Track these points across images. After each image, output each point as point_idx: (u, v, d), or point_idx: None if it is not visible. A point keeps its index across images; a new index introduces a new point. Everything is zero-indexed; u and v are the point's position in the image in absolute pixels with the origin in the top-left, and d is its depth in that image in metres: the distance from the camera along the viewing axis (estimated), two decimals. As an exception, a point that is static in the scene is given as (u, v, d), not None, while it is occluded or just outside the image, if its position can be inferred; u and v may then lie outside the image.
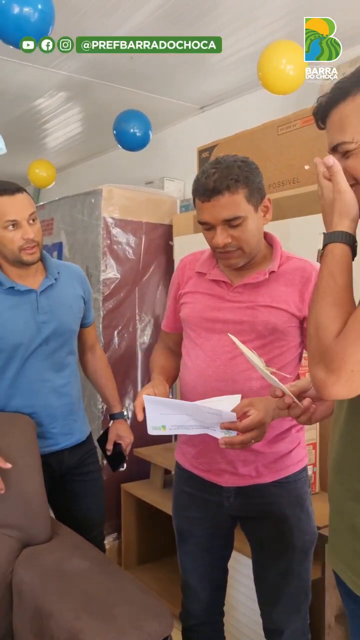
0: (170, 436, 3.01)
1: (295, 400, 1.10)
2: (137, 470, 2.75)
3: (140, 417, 1.34)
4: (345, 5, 3.20)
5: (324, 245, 0.93)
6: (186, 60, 3.85)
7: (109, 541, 2.73)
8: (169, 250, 2.89)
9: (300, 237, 2.10)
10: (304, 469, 1.53)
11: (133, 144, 3.86)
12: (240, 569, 1.91)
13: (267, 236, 1.50)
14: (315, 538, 1.52)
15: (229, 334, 1.26)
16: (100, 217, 2.67)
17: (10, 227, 1.69)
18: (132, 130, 3.81)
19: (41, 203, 3.26)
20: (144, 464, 2.72)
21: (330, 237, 0.93)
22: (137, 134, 3.81)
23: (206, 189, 1.37)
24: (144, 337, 2.86)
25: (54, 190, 5.22)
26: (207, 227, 1.42)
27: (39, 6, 2.15)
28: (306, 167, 2.20)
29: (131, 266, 2.78)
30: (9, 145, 4.84)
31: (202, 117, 4.91)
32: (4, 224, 1.69)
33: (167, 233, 2.89)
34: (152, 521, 2.75)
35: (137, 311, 2.82)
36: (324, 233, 0.94)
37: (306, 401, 1.10)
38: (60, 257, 2.89)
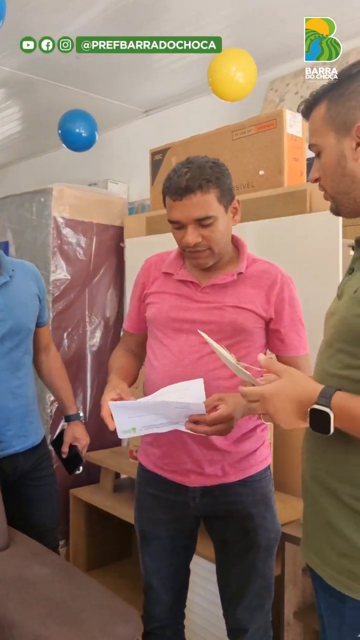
0: (120, 440, 2.97)
1: None
2: (86, 474, 2.69)
3: (111, 427, 1.32)
4: (292, 16, 3.31)
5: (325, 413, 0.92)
6: (132, 63, 3.85)
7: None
8: (119, 252, 2.87)
9: (254, 241, 2.13)
10: (268, 468, 1.55)
11: (78, 144, 3.81)
12: (198, 572, 1.90)
13: (233, 238, 1.52)
14: (279, 536, 1.54)
15: (199, 331, 1.26)
16: (51, 216, 2.61)
17: None
18: (77, 130, 3.76)
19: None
20: (94, 469, 2.67)
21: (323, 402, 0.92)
22: (83, 134, 3.77)
23: (179, 187, 1.37)
24: (94, 340, 2.82)
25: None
26: (177, 226, 1.41)
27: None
28: (260, 172, 2.24)
29: (81, 267, 2.73)
30: None
31: (146, 121, 4.92)
32: None
33: (118, 234, 2.86)
34: (102, 526, 2.71)
35: (87, 313, 2.78)
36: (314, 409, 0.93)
37: None
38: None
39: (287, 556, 1.72)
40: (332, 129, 1.01)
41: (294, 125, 2.20)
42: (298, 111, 1.11)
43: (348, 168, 1.00)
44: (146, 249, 2.59)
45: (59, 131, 3.80)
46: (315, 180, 1.07)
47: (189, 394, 1.29)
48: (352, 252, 1.09)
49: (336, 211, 1.07)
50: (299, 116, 2.23)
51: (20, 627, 1.30)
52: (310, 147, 1.06)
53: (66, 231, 2.66)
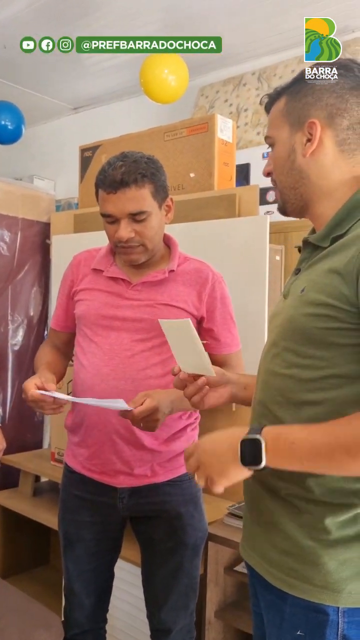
0: (41, 442, 2.89)
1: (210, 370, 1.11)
2: (2, 478, 2.60)
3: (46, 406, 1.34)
4: (225, 24, 3.37)
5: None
6: (63, 59, 3.77)
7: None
8: (45, 249, 2.79)
9: (183, 243, 2.14)
10: None
11: (4, 136, 3.69)
12: (122, 576, 1.88)
13: (165, 236, 1.52)
14: (206, 535, 1.54)
15: (159, 320, 1.19)
16: (-27, 208, 2.50)
17: None
18: (3, 123, 3.65)
19: None
20: (12, 472, 2.58)
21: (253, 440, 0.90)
22: (9, 127, 3.66)
23: (113, 180, 1.35)
24: (16, 339, 2.73)
25: None
26: (110, 220, 1.40)
27: None
28: (191, 174, 2.26)
29: (4, 263, 2.64)
30: None
31: (75, 118, 4.85)
32: None
33: (44, 231, 2.78)
34: (19, 532, 2.62)
35: (9, 311, 2.68)
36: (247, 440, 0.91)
37: (200, 380, 1.12)
38: None
39: (210, 555, 1.73)
40: (287, 123, 1.03)
41: (225, 130, 2.23)
42: (260, 104, 1.13)
43: (297, 162, 1.01)
44: (73, 247, 2.54)
45: (-17, 122, 3.67)
46: (268, 174, 1.08)
47: (114, 404, 1.28)
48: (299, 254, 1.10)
49: (282, 208, 1.08)
50: (230, 122, 2.26)
51: None
52: (266, 139, 1.07)
53: (-11, 225, 2.56)
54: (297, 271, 1.05)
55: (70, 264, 1.60)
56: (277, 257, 2.17)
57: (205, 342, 1.15)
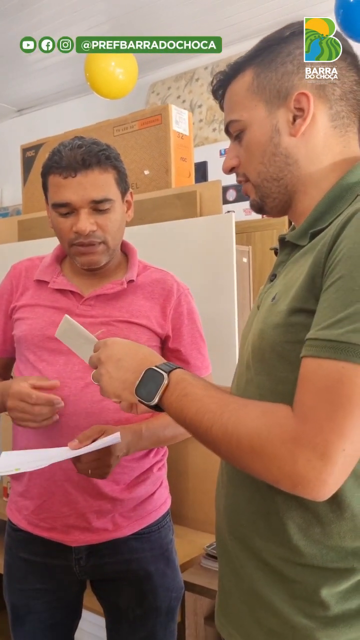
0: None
1: None
2: None
3: None
4: (174, 18, 3.19)
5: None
6: (3, 59, 3.54)
7: None
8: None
9: (139, 248, 1.92)
10: (167, 513, 1.31)
11: None
12: (86, 628, 1.64)
13: (122, 243, 1.29)
14: (181, 594, 1.30)
15: (66, 315, 1.02)
16: None
17: None
18: None
19: None
20: None
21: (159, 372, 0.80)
22: None
23: (73, 160, 1.12)
24: None
25: None
26: (66, 210, 1.15)
27: None
28: (145, 172, 2.04)
29: None
30: None
31: (19, 121, 4.59)
32: None
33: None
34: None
35: None
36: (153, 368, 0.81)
37: None
38: None
39: (188, 606, 1.50)
40: (261, 100, 0.84)
41: (181, 122, 2.03)
42: (211, 85, 0.91)
43: (282, 145, 0.82)
44: (18, 256, 2.29)
45: None
46: (231, 170, 0.88)
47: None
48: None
49: (259, 205, 0.88)
50: (186, 113, 2.06)
51: None
52: (230, 125, 0.87)
53: None
54: (273, 277, 0.85)
55: (8, 274, 1.34)
56: (245, 259, 1.98)
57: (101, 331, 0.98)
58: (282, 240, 0.85)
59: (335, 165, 0.82)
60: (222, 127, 0.92)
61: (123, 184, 1.20)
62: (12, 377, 1.35)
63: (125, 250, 1.30)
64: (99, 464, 1.05)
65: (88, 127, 2.20)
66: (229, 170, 0.89)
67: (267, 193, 0.85)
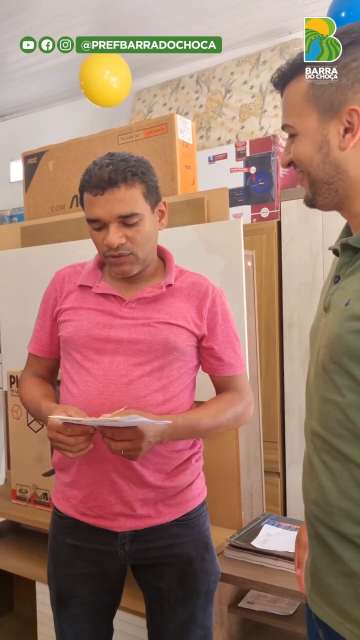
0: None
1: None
2: None
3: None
4: (160, 26, 3.26)
5: None
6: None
7: None
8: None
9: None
10: (204, 502, 1.39)
11: None
12: (121, 628, 1.68)
13: (158, 248, 1.36)
14: (219, 577, 1.38)
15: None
16: None
17: None
18: None
19: None
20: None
21: None
22: None
23: (101, 179, 1.20)
24: None
25: None
26: (97, 225, 1.24)
27: None
28: (151, 179, 2.10)
29: None
30: None
31: (1, 127, 4.58)
32: None
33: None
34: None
35: None
36: None
37: None
38: None
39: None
40: (315, 110, 0.87)
41: (185, 131, 2.10)
42: (271, 81, 0.96)
43: (331, 156, 0.87)
44: (21, 262, 2.33)
45: None
46: (288, 165, 0.94)
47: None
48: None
49: (311, 201, 0.93)
50: (189, 122, 2.13)
51: None
52: (284, 127, 0.92)
53: None
54: (337, 279, 0.91)
55: (52, 280, 1.42)
56: (249, 263, 2.06)
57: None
58: (345, 245, 0.90)
59: None
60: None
61: (153, 196, 1.28)
62: (58, 381, 1.41)
63: (162, 256, 1.37)
64: (131, 445, 1.13)
65: (92, 135, 2.25)
66: (286, 164, 0.94)
67: (319, 192, 0.91)
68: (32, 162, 2.40)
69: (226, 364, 1.34)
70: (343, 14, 2.43)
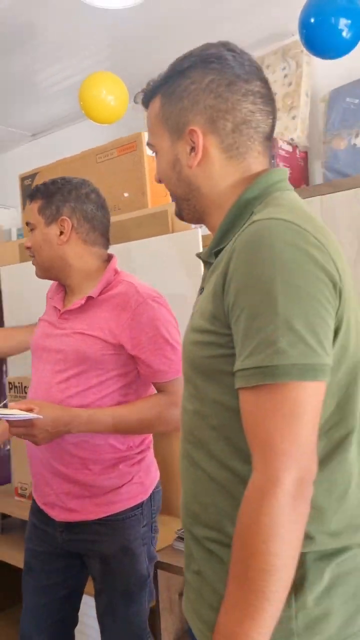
0: (9, 477, 2.84)
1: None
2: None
3: None
4: (167, 40, 3.36)
5: None
6: (16, 86, 3.77)
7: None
8: (-5, 280, 2.77)
9: (124, 263, 2.12)
10: (137, 507, 1.45)
11: None
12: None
13: (109, 263, 1.49)
14: (143, 580, 1.45)
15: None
16: None
17: None
18: None
19: None
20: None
21: None
22: None
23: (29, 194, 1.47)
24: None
25: None
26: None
27: None
28: (125, 194, 2.23)
29: None
30: None
31: (34, 145, 4.84)
32: None
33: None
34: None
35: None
36: None
37: None
38: None
39: (161, 584, 1.68)
40: (166, 130, 0.91)
41: (155, 146, 2.21)
42: (135, 102, 1.07)
43: (183, 174, 0.91)
44: (21, 276, 2.53)
45: None
46: (160, 181, 0.99)
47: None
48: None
49: (179, 216, 0.98)
50: (160, 138, 2.24)
51: None
52: (148, 145, 0.98)
53: None
54: (201, 290, 0.94)
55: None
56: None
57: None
58: (199, 257, 0.95)
59: (235, 186, 0.88)
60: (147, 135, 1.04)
61: (49, 211, 1.46)
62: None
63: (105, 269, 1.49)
64: (25, 430, 1.29)
65: (75, 156, 2.42)
66: (158, 181, 0.99)
67: (181, 208, 0.96)
68: (28, 183, 2.59)
69: (156, 371, 1.40)
70: (312, 20, 2.47)
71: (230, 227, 0.87)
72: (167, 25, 3.29)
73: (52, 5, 2.62)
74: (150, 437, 1.51)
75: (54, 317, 1.48)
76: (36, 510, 1.51)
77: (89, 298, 1.42)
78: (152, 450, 1.52)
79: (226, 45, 0.90)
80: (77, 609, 1.58)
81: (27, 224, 1.48)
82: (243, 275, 0.75)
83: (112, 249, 2.14)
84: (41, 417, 1.27)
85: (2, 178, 4.95)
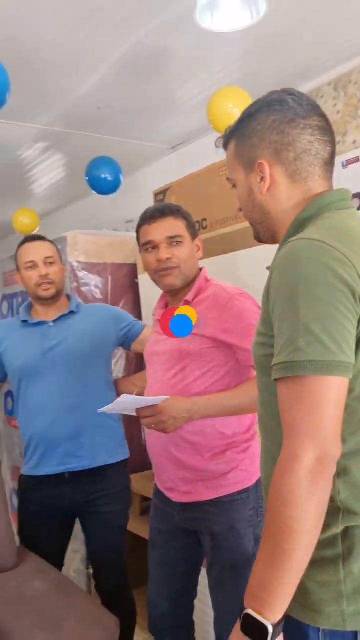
0: (150, 464, 3.12)
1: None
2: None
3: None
4: (291, 47, 3.43)
5: None
6: (155, 103, 4.07)
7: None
8: (135, 288, 3.06)
9: (246, 269, 2.27)
10: (243, 492, 1.61)
11: (105, 188, 4.07)
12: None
13: (200, 273, 1.70)
14: (248, 559, 1.57)
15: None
16: (66, 261, 2.85)
17: (29, 268, 1.98)
18: (103, 176, 4.03)
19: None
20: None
21: None
22: (108, 179, 4.03)
23: (155, 211, 1.63)
24: (117, 370, 3.01)
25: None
26: (150, 246, 1.63)
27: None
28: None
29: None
30: (-5, 197, 5.07)
31: (173, 157, 5.15)
32: (24, 265, 1.99)
33: (132, 271, 3.06)
34: (135, 549, 2.85)
35: (110, 347, 2.98)
36: None
37: None
38: (33, 300, 3.06)
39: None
40: (240, 165, 1.09)
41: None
42: (217, 146, 1.26)
43: (257, 201, 1.07)
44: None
45: (86, 178, 4.08)
46: (240, 210, 1.16)
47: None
48: None
49: (257, 238, 1.15)
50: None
51: (13, 636, 1.48)
52: (227, 180, 1.16)
53: (82, 274, 2.89)
54: None
55: None
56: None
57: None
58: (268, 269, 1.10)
59: (296, 207, 1.03)
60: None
61: (192, 230, 1.68)
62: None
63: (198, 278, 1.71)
64: (153, 420, 1.48)
65: (200, 171, 2.60)
66: (239, 210, 1.16)
67: (259, 231, 1.14)
68: (160, 199, 2.84)
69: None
70: None
71: (283, 244, 1.00)
72: (292, 34, 3.37)
73: (183, 30, 2.84)
74: (255, 426, 1.65)
75: (157, 327, 1.70)
76: (158, 493, 1.72)
77: (186, 302, 1.62)
78: (257, 441, 1.66)
79: (287, 91, 1.06)
80: (196, 583, 1.77)
81: (172, 237, 1.62)
82: (277, 287, 0.91)
83: (236, 255, 2.30)
84: (168, 396, 1.48)
85: (147, 190, 5.34)
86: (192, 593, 1.78)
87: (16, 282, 3.22)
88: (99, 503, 1.97)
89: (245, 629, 0.88)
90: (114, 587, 2.04)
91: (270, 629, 0.85)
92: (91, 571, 2.78)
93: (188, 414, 1.51)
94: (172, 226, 1.62)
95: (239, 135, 1.09)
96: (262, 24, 2.29)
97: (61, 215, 6.30)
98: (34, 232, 5.18)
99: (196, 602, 1.80)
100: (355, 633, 0.90)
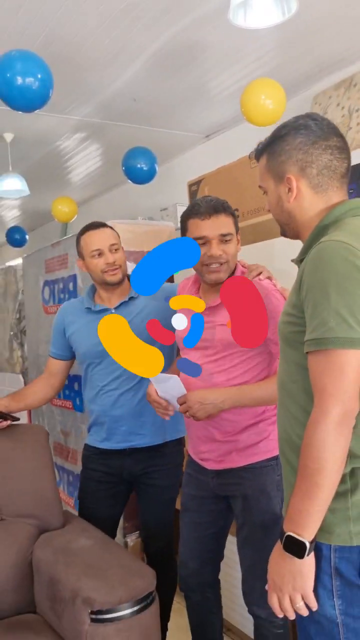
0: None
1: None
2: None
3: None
4: (322, 39, 3.50)
5: None
6: (189, 94, 4.19)
7: (132, 539, 3.02)
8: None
9: (278, 257, 2.39)
10: (273, 459, 1.77)
11: (141, 177, 4.23)
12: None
13: (236, 265, 1.83)
14: (276, 519, 1.71)
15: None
16: (106, 249, 3.01)
17: (96, 256, 2.09)
18: (139, 166, 4.18)
19: (60, 239, 3.62)
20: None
21: None
22: (144, 168, 4.18)
23: (208, 207, 1.72)
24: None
25: (79, 222, 5.64)
26: (202, 241, 1.70)
27: (39, 75, 2.57)
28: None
29: (137, 291, 3.10)
30: (35, 186, 5.28)
31: (207, 145, 5.27)
32: (90, 253, 2.09)
33: (167, 258, 3.20)
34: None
35: (145, 330, 3.14)
36: None
37: None
38: (75, 288, 3.23)
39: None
40: (271, 177, 1.31)
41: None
42: (250, 157, 1.43)
43: (284, 207, 1.29)
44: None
45: (123, 167, 4.23)
46: (269, 211, 1.37)
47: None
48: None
49: (283, 234, 1.37)
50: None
51: (63, 582, 1.68)
52: (260, 187, 1.37)
53: (120, 261, 3.05)
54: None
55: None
56: None
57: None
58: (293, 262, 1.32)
59: (318, 214, 1.25)
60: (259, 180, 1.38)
61: (237, 227, 1.77)
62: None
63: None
64: (184, 407, 1.66)
65: (232, 163, 2.73)
66: (269, 211, 1.37)
67: (285, 230, 1.36)
68: (194, 189, 2.98)
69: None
70: None
71: (309, 244, 1.22)
72: (323, 26, 3.44)
73: (217, 24, 2.96)
74: None
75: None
76: (192, 462, 1.89)
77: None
78: None
79: (310, 116, 1.27)
80: (223, 545, 1.94)
81: (224, 235, 1.71)
82: (310, 280, 1.13)
83: (273, 243, 2.41)
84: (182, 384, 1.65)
85: (181, 178, 5.47)
86: (219, 555, 1.94)
87: (57, 269, 3.43)
88: (155, 476, 2.13)
89: (287, 548, 1.11)
90: (161, 553, 2.21)
91: (308, 545, 1.09)
92: (128, 540, 2.98)
93: (221, 403, 1.65)
94: (224, 224, 1.71)
95: (270, 152, 1.29)
96: (293, 17, 2.38)
97: (97, 203, 6.47)
98: (72, 220, 5.37)
99: (222, 564, 1.96)
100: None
